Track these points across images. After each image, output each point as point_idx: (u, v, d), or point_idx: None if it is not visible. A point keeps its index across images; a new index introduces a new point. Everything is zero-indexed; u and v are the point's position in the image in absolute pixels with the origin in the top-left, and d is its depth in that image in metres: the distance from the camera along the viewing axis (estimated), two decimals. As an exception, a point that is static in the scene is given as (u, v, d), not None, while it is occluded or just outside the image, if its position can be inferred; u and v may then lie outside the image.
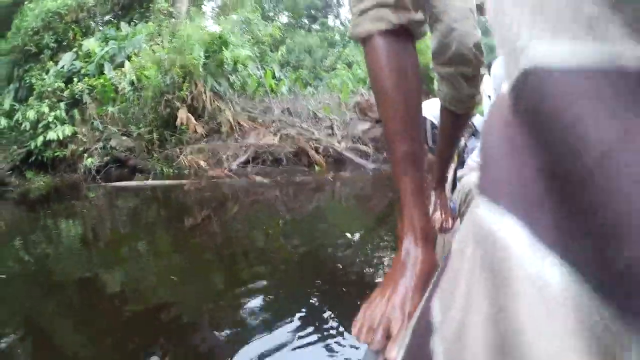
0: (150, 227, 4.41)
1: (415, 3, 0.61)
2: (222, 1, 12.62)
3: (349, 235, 3.65)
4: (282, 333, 1.95)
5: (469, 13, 0.80)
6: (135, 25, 9.51)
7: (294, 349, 1.83)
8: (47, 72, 8.41)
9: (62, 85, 8.07)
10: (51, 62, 8.57)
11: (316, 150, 7.59)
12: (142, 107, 7.47)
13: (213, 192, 5.94)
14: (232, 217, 4.68)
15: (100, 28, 9.82)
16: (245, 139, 7.53)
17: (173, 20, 9.33)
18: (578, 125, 0.18)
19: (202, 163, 6.97)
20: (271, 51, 11.03)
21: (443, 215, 1.41)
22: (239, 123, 7.66)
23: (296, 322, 2.05)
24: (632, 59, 0.18)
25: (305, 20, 19.53)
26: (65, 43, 9.06)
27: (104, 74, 8.18)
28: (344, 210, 5.20)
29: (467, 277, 0.25)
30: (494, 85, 1.61)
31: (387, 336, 0.48)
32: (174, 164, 7.18)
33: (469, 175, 1.61)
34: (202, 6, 12.30)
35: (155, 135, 7.32)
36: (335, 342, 1.87)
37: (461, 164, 1.95)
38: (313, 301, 2.35)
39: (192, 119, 7.26)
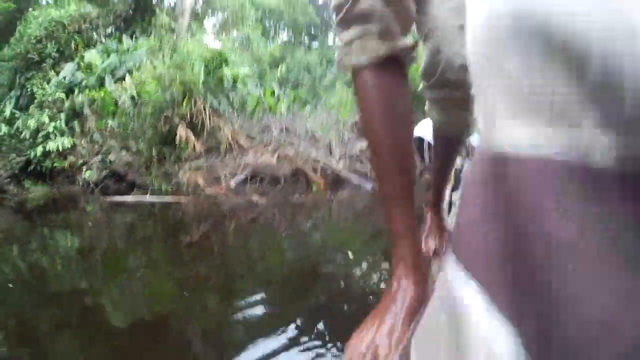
0: (148, 241, 4.45)
1: (403, 27, 0.59)
2: (223, 18, 12.78)
3: (345, 253, 3.75)
4: (277, 345, 2.00)
5: (460, 31, 0.74)
6: (137, 39, 9.59)
7: (288, 361, 1.89)
8: (49, 81, 8.44)
9: (63, 96, 8.13)
10: (53, 72, 8.60)
11: (314, 169, 7.65)
12: (141, 123, 7.51)
13: (210, 209, 5.99)
14: (229, 234, 4.74)
15: (102, 40, 9.89)
16: (243, 157, 7.59)
17: (174, 35, 9.43)
18: (538, 217, 0.19)
19: (200, 180, 7.01)
20: (270, 68, 11.14)
21: (437, 239, 1.34)
22: (237, 141, 7.73)
23: (290, 335, 2.10)
24: (599, 155, 0.18)
25: (305, 38, 19.79)
26: (67, 53, 9.10)
27: (104, 86, 8.22)
28: (340, 229, 5.26)
29: (436, 336, 0.29)
30: None
31: None
32: (172, 180, 7.19)
33: None
34: (204, 21, 12.44)
35: (154, 152, 7.37)
36: (331, 355, 1.93)
37: (457, 184, 1.91)
38: (307, 315, 2.41)
39: (192, 136, 7.31)
